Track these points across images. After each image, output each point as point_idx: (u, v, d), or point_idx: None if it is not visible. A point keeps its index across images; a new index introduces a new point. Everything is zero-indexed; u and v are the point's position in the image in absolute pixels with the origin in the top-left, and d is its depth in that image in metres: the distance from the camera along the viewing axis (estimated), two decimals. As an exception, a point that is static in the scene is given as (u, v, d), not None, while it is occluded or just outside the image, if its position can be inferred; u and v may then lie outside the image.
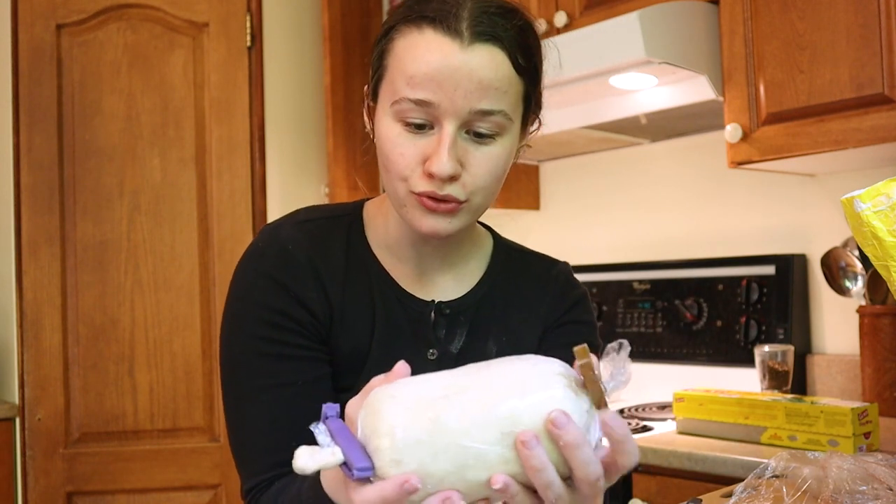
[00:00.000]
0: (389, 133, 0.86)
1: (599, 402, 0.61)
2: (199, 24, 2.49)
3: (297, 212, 0.99)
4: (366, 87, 0.95)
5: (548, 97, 2.09)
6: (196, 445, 2.36)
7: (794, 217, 2.07)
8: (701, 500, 1.05)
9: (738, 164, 1.80)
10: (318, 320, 0.91)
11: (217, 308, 2.46)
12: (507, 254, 1.05)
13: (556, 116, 2.15)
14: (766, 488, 0.92)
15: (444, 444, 0.58)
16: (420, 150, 0.85)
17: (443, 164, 0.83)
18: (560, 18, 2.03)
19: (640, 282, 2.29)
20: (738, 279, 2.08)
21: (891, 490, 0.87)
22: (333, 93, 2.58)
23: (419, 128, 0.85)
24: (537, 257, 1.08)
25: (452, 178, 0.85)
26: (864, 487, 0.87)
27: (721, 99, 1.84)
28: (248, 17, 2.53)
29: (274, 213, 2.57)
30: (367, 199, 1.02)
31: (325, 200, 2.69)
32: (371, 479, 0.59)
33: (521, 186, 2.61)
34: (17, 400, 2.35)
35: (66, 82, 2.42)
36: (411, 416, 0.59)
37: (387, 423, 0.59)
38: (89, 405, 2.38)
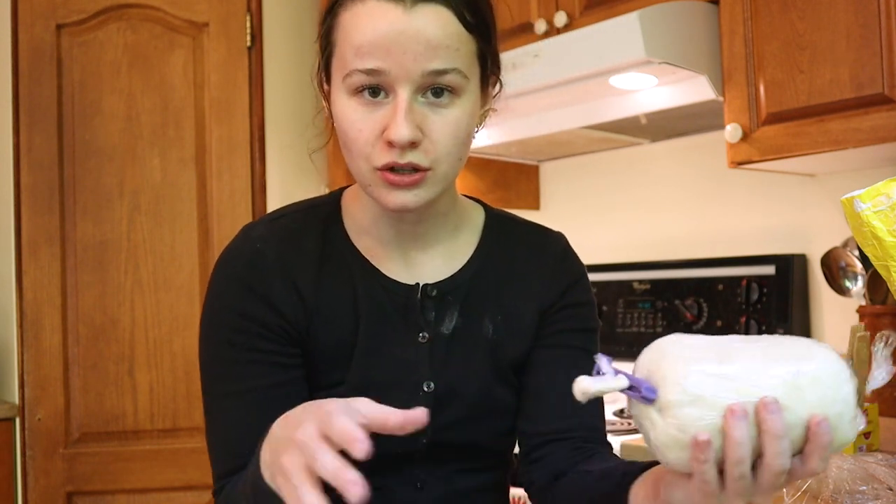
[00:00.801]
0: (345, 110, 0.85)
1: (861, 392, 0.64)
2: (199, 24, 2.49)
3: (276, 209, 0.99)
4: (316, 70, 0.93)
5: (548, 97, 2.08)
6: (196, 445, 2.36)
7: (794, 217, 2.07)
8: (701, 500, 1.05)
9: (738, 164, 1.80)
10: (289, 321, 0.90)
11: (217, 308, 2.46)
12: (499, 226, 1.03)
13: (556, 116, 2.15)
14: (766, 488, 0.92)
15: (733, 383, 0.60)
16: (377, 122, 0.83)
17: (400, 130, 0.81)
18: (560, 18, 2.03)
19: (640, 282, 2.29)
20: (738, 279, 2.08)
21: (891, 490, 0.87)
22: (333, 93, 2.57)
23: (374, 95, 0.83)
24: (532, 227, 1.06)
25: (413, 145, 0.82)
26: (864, 487, 0.87)
27: (721, 99, 1.83)
28: (248, 17, 2.52)
29: (274, 213, 2.57)
30: (345, 188, 1.01)
31: (325, 200, 2.69)
32: (654, 403, 0.63)
33: (521, 186, 2.61)
34: (17, 400, 2.35)
35: (66, 82, 2.42)
36: (702, 354, 0.63)
37: (675, 354, 0.63)
38: (89, 405, 2.38)
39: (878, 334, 0.66)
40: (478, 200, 1.06)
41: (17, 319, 2.36)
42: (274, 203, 2.57)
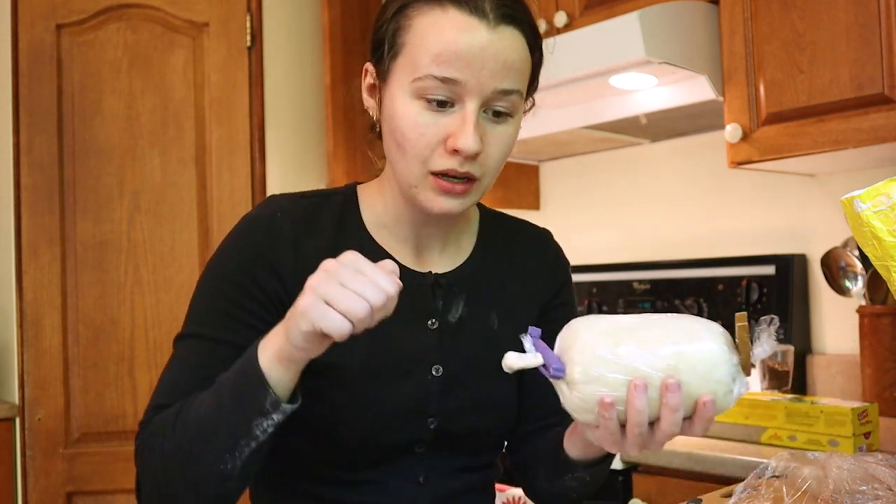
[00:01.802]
0: (408, 111, 0.87)
1: (745, 365, 0.76)
2: (199, 24, 2.49)
3: (303, 192, 1.03)
4: (367, 65, 0.95)
5: (548, 97, 2.08)
6: (196, 445, 2.36)
7: (794, 217, 2.07)
8: (701, 500, 1.05)
9: (738, 164, 1.80)
10: (287, 291, 0.91)
11: (217, 308, 2.46)
12: (494, 223, 1.08)
13: (556, 116, 2.15)
14: (766, 488, 0.92)
15: (622, 364, 0.74)
16: (441, 128, 0.86)
17: (469, 141, 0.85)
18: (560, 18, 2.03)
19: (640, 282, 2.29)
20: (738, 279, 2.08)
21: (891, 490, 0.87)
22: (333, 93, 2.57)
23: (441, 105, 0.86)
24: (523, 224, 1.11)
25: (475, 156, 0.87)
26: (864, 487, 0.87)
27: (721, 99, 1.84)
28: (248, 17, 2.52)
29: (274, 213, 2.57)
30: (358, 183, 1.03)
31: (325, 200, 2.69)
32: (562, 379, 0.76)
33: (521, 186, 2.61)
34: (17, 400, 2.35)
35: (66, 82, 2.42)
36: (602, 339, 0.75)
37: (581, 341, 0.76)
38: (89, 405, 2.38)
39: (762, 317, 0.77)
40: None
41: (17, 319, 2.36)
42: (274, 203, 2.57)
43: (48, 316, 2.37)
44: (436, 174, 0.87)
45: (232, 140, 2.49)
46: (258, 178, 2.53)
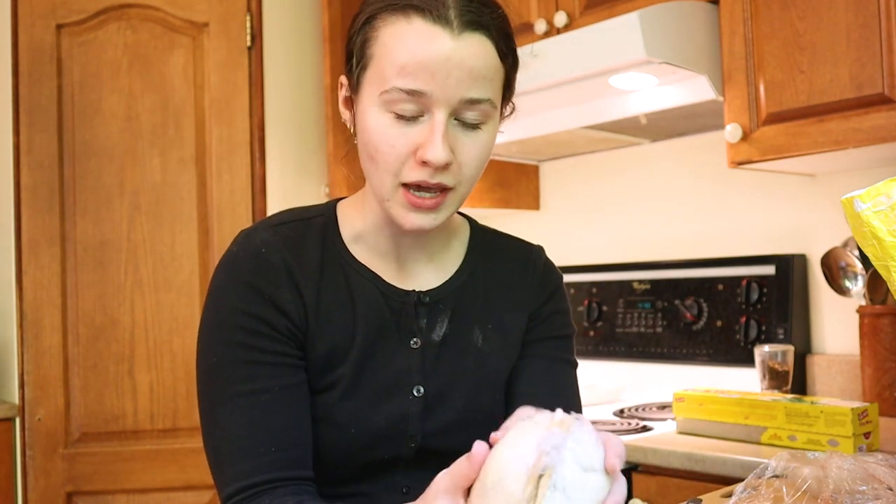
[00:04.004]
0: (377, 124, 0.86)
1: None
2: (199, 24, 2.49)
3: (271, 216, 0.99)
4: (342, 78, 0.94)
5: (548, 97, 2.08)
6: (196, 445, 2.36)
7: (794, 217, 2.07)
8: (701, 500, 1.05)
9: (738, 164, 1.80)
10: (294, 323, 0.91)
11: (217, 308, 2.45)
12: (483, 239, 1.06)
13: (557, 116, 2.15)
14: (766, 488, 0.92)
15: None
16: (410, 139, 0.85)
17: (438, 152, 0.83)
18: (560, 18, 2.03)
19: (640, 282, 2.29)
20: (738, 279, 2.08)
21: (891, 490, 0.87)
22: (333, 93, 2.58)
23: (409, 114, 0.85)
24: (514, 241, 1.09)
25: (445, 166, 0.85)
26: (864, 487, 0.87)
27: (721, 99, 1.84)
28: (248, 17, 2.53)
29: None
30: (339, 200, 1.02)
31: (324, 200, 2.69)
32: None
33: (521, 186, 2.61)
34: (17, 400, 2.35)
35: (66, 82, 2.42)
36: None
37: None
38: (89, 405, 2.39)
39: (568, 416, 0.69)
40: (465, 216, 1.09)
41: (17, 319, 2.36)
42: (274, 203, 2.57)
43: (48, 316, 2.37)
44: (408, 186, 0.86)
45: (232, 140, 2.50)
46: (258, 178, 2.53)
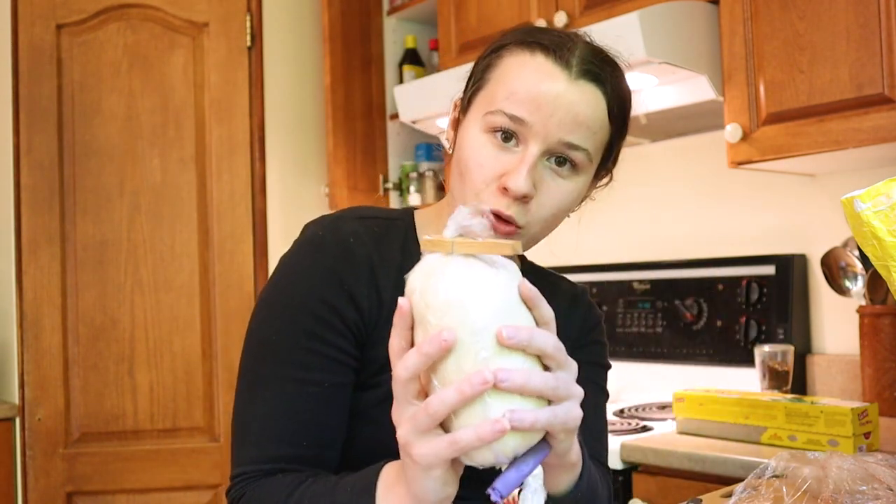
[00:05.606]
0: (474, 143, 0.88)
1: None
2: (199, 24, 2.49)
3: (354, 208, 0.98)
4: (455, 100, 0.96)
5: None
6: (196, 445, 2.36)
7: (794, 217, 2.07)
8: (701, 500, 1.05)
9: (738, 164, 1.80)
10: (364, 320, 0.90)
11: (217, 308, 2.46)
12: (535, 276, 1.07)
13: (556, 116, 2.15)
14: (766, 488, 0.92)
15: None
16: (500, 164, 0.86)
17: (520, 181, 0.84)
18: (560, 18, 2.03)
19: (640, 282, 2.29)
20: (738, 279, 2.08)
21: (891, 490, 0.87)
22: (333, 93, 2.58)
23: (506, 140, 0.86)
24: (562, 279, 1.12)
25: (524, 199, 0.86)
26: (864, 487, 0.87)
27: (721, 99, 1.84)
28: (248, 17, 2.53)
29: (274, 213, 2.57)
30: (415, 208, 1.03)
31: (325, 200, 2.69)
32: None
33: (521, 186, 2.61)
34: (17, 400, 2.35)
35: (66, 82, 2.42)
36: None
37: None
38: (89, 405, 2.39)
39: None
40: None
41: (17, 319, 2.36)
42: (274, 203, 2.57)
43: (48, 316, 2.38)
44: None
45: (232, 140, 2.50)
46: (258, 178, 2.53)
